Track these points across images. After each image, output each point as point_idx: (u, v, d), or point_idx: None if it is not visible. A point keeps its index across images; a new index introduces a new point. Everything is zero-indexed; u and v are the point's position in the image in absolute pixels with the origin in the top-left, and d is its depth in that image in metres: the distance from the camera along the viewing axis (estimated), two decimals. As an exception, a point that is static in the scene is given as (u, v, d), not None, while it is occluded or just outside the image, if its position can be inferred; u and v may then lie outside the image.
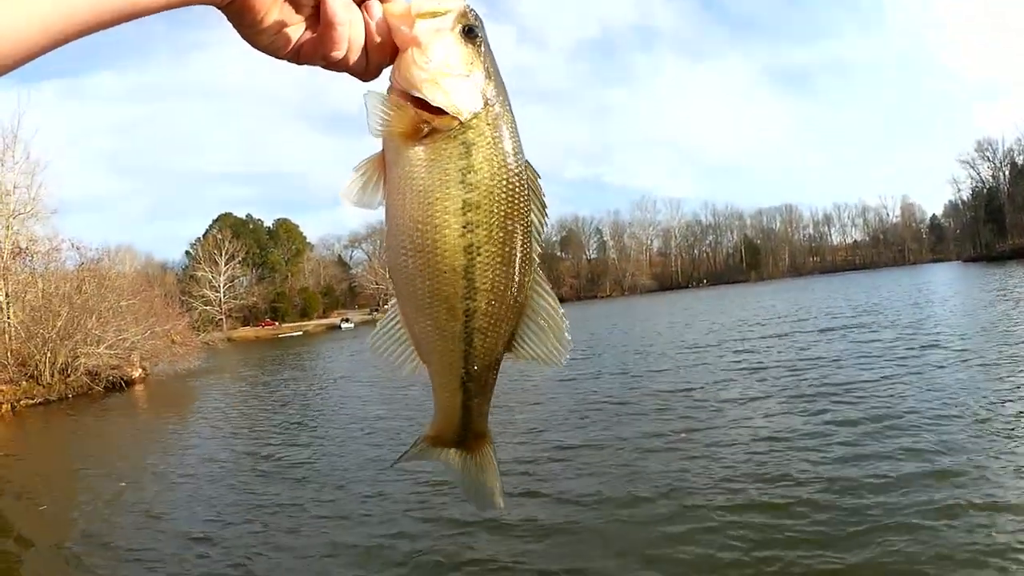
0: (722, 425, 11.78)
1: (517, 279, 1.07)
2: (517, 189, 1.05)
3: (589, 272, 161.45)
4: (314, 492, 10.56)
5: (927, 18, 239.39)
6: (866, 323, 26.07)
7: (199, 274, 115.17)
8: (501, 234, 1.04)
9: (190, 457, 14.93)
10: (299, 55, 0.99)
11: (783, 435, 10.58)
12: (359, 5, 0.99)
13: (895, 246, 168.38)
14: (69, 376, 33.23)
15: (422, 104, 1.01)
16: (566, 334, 1.11)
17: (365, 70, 1.03)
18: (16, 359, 32.50)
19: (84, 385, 33.41)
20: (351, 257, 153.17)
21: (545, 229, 1.12)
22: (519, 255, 1.06)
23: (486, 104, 1.04)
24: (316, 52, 0.98)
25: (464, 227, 1.02)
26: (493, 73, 1.06)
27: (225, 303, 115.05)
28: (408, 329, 1.11)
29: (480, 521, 8.07)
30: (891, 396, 12.43)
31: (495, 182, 1.03)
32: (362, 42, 1.00)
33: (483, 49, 1.05)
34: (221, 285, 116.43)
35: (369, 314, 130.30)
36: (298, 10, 0.96)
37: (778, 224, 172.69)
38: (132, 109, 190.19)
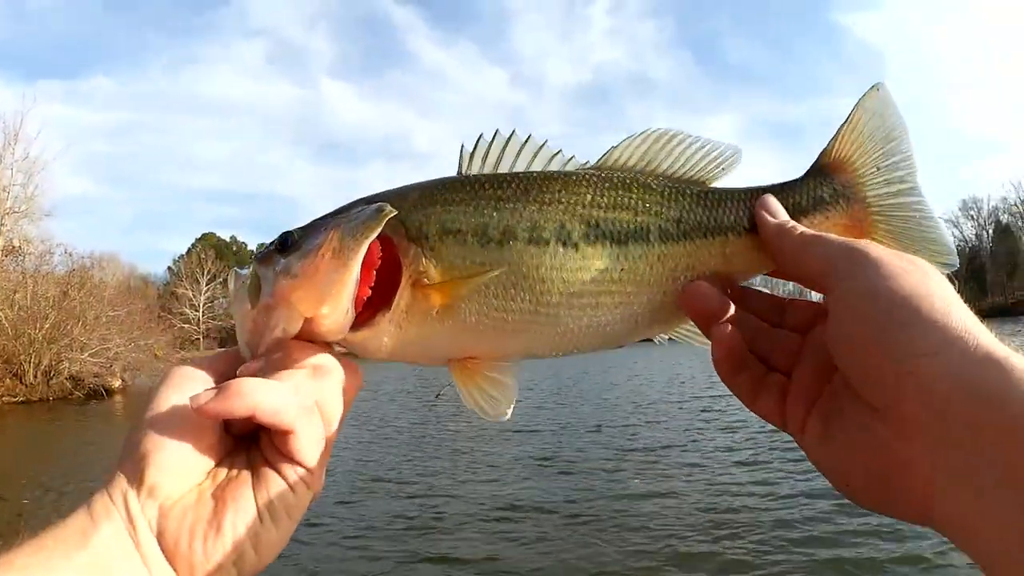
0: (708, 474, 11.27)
1: None
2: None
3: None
4: None
5: (922, 78, 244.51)
6: None
7: (180, 291, 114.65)
8: None
9: None
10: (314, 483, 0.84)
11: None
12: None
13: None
14: (52, 379, 33.56)
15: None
16: None
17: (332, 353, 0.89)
18: (1, 356, 32.66)
19: (66, 390, 33.74)
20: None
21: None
22: None
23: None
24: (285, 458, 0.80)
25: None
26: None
27: (204, 323, 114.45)
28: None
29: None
30: None
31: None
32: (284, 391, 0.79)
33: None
34: (201, 304, 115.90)
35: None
36: (236, 485, 0.79)
37: (758, 280, 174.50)
38: (122, 117, 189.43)
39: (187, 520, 0.75)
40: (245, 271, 0.91)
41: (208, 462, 0.79)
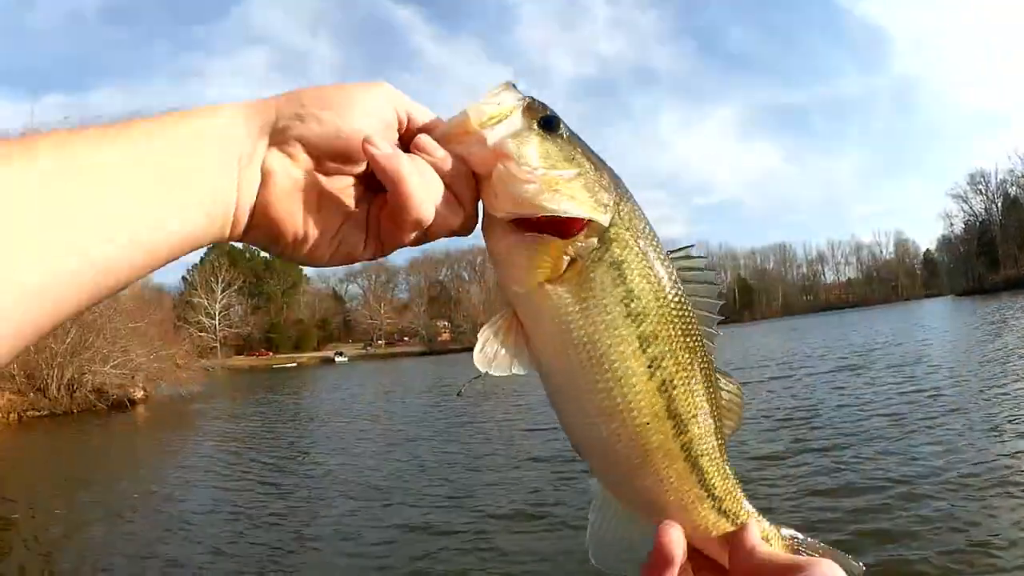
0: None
1: (711, 385, 0.94)
2: (682, 297, 0.91)
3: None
4: (306, 527, 10.34)
5: (925, 54, 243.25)
6: (859, 365, 24.92)
7: (195, 300, 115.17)
8: (686, 354, 0.91)
9: (190, 479, 14.93)
10: (383, 244, 0.86)
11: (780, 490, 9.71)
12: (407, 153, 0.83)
13: (888, 282, 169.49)
14: (75, 391, 33.82)
15: (546, 226, 0.85)
16: (742, 403, 1.01)
17: (463, 218, 0.87)
18: (24, 371, 32.88)
19: (89, 402, 34.04)
20: (346, 291, 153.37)
21: (717, 304, 0.97)
22: (701, 362, 0.93)
23: (616, 198, 0.89)
24: (400, 227, 0.82)
25: (650, 367, 0.88)
26: (599, 161, 0.91)
27: (220, 331, 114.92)
28: (626, 499, 0.97)
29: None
30: (899, 457, 10.89)
31: (663, 301, 0.89)
32: (441, 186, 0.82)
33: (574, 137, 0.90)
34: (216, 313, 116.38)
35: (363, 348, 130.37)
36: (343, 197, 0.82)
37: (772, 264, 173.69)
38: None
39: (290, 188, 0.78)
40: (520, 102, 0.87)
41: (342, 174, 0.82)
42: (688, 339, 0.90)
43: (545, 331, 0.87)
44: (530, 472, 11.95)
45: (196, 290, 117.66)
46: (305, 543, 9.25)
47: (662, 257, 0.90)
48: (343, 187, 0.82)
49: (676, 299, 0.89)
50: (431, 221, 0.81)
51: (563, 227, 0.84)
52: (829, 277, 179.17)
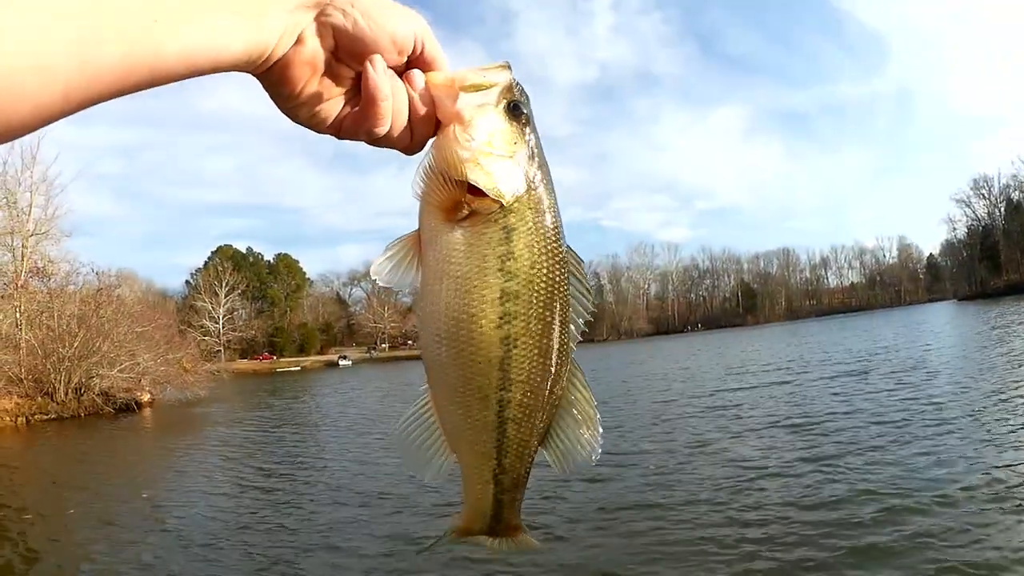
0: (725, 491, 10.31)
1: (554, 371, 1.04)
2: (558, 278, 1.02)
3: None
4: (312, 532, 10.28)
5: (926, 59, 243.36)
6: (858, 370, 25.01)
7: (199, 304, 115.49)
8: (539, 325, 1.01)
9: (198, 482, 14.97)
10: (340, 130, 0.98)
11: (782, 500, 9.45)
12: (401, 75, 0.98)
13: (891, 287, 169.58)
14: (83, 395, 34.03)
15: (462, 184, 0.98)
16: (599, 428, 1.09)
17: (410, 144, 1.01)
18: (31, 375, 33.20)
19: (96, 405, 34.20)
20: (350, 295, 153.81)
21: (589, 313, 1.10)
22: (556, 346, 1.04)
23: (529, 187, 1.01)
24: (359, 127, 0.97)
25: (501, 318, 0.99)
26: (537, 153, 1.03)
27: (224, 335, 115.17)
28: (439, 417, 1.08)
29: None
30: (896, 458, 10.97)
31: (536, 271, 1.00)
32: (406, 116, 0.97)
33: (528, 127, 1.03)
34: (220, 316, 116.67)
35: (367, 352, 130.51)
36: (338, 83, 0.95)
37: (775, 268, 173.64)
38: (132, 134, 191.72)
39: (310, 58, 0.90)
40: (504, 81, 1.01)
41: (347, 66, 0.94)
42: (547, 314, 1.02)
43: (432, 256, 1.00)
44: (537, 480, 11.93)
45: (200, 294, 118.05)
46: (312, 549, 9.29)
47: (553, 244, 1.02)
48: (343, 76, 0.94)
49: (549, 277, 1.01)
50: (381, 136, 0.96)
51: (472, 189, 0.97)
52: (832, 281, 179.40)
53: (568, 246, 1.05)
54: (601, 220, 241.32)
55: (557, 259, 1.02)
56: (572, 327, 1.07)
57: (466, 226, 0.99)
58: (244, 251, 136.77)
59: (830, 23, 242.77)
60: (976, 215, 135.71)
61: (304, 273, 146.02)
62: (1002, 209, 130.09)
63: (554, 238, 1.02)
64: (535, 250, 1.00)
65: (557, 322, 1.03)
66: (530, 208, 1.00)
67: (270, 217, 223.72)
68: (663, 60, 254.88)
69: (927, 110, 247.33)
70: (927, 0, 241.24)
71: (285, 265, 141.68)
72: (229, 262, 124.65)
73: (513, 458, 1.06)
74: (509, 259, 0.99)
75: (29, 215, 41.41)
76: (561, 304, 1.03)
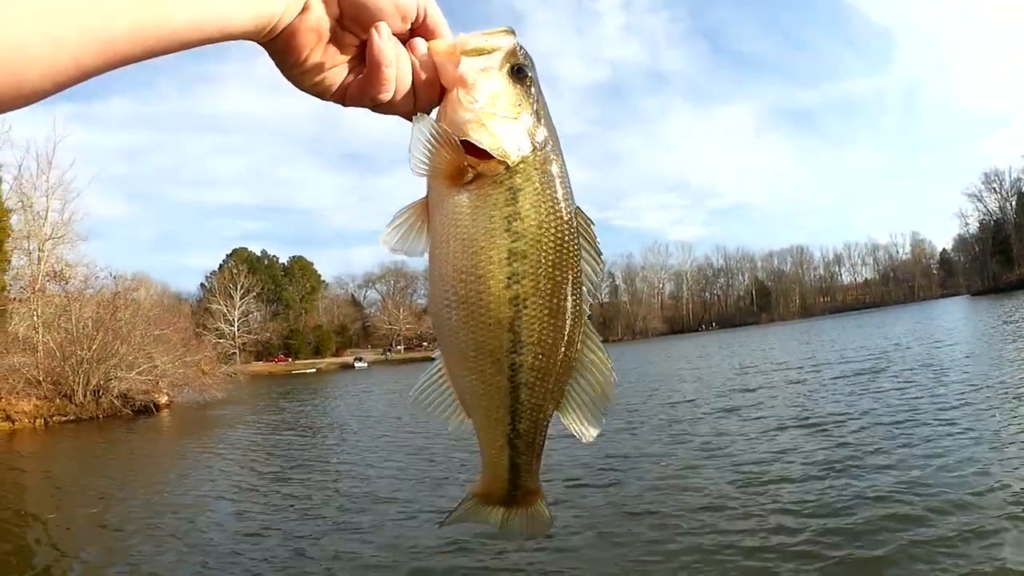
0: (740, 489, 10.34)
1: (567, 332, 1.03)
2: (566, 238, 1.02)
3: (601, 315, 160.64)
4: (330, 530, 10.39)
5: (935, 53, 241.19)
6: (873, 369, 24.69)
7: (214, 307, 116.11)
8: (549, 285, 1.01)
9: (218, 485, 14.93)
10: (345, 97, 1.00)
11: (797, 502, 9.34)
12: (404, 43, 0.99)
13: (905, 283, 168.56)
14: (101, 397, 34.55)
15: (468, 148, 0.99)
16: (613, 391, 1.09)
17: (413, 110, 1.02)
18: (50, 377, 33.77)
19: (115, 407, 34.71)
20: (364, 297, 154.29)
21: (600, 277, 1.09)
22: (569, 307, 1.03)
23: (534, 148, 1.01)
24: (363, 94, 0.99)
25: (510, 278, 0.99)
26: (543, 115, 1.04)
27: (239, 337, 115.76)
28: (452, 382, 1.08)
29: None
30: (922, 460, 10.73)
31: (543, 231, 1.00)
32: (409, 82, 0.99)
33: (533, 89, 1.03)
34: (235, 319, 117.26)
35: (382, 354, 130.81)
36: (342, 50, 0.96)
37: (789, 266, 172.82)
38: (142, 136, 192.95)
39: (315, 25, 0.92)
40: (507, 45, 1.03)
41: (351, 33, 0.96)
42: (557, 273, 1.02)
43: (439, 220, 1.01)
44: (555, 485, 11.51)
45: (215, 296, 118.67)
46: (329, 548, 9.32)
47: (561, 205, 1.02)
48: (347, 44, 0.97)
49: (558, 237, 1.02)
50: (385, 102, 0.99)
51: (478, 151, 0.99)
52: (846, 278, 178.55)
53: (577, 207, 1.06)
54: (613, 220, 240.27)
55: (565, 220, 1.03)
56: (585, 287, 1.07)
57: (472, 189, 1.00)
58: (259, 254, 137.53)
59: (837, 19, 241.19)
60: (988, 209, 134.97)
61: (319, 275, 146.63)
62: (1013, 203, 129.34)
63: (562, 199, 1.03)
64: (542, 210, 1.01)
65: (568, 283, 1.03)
66: (536, 169, 1.01)
67: (283, 219, 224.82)
68: (672, 59, 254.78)
69: (936, 105, 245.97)
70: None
71: (300, 267, 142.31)
72: (244, 265, 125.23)
73: (528, 422, 1.07)
74: (516, 219, 1.00)
75: (46, 219, 42.03)
76: (572, 265, 1.04)
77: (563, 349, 1.04)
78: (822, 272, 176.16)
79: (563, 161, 1.05)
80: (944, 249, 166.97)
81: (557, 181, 1.02)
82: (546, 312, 1.01)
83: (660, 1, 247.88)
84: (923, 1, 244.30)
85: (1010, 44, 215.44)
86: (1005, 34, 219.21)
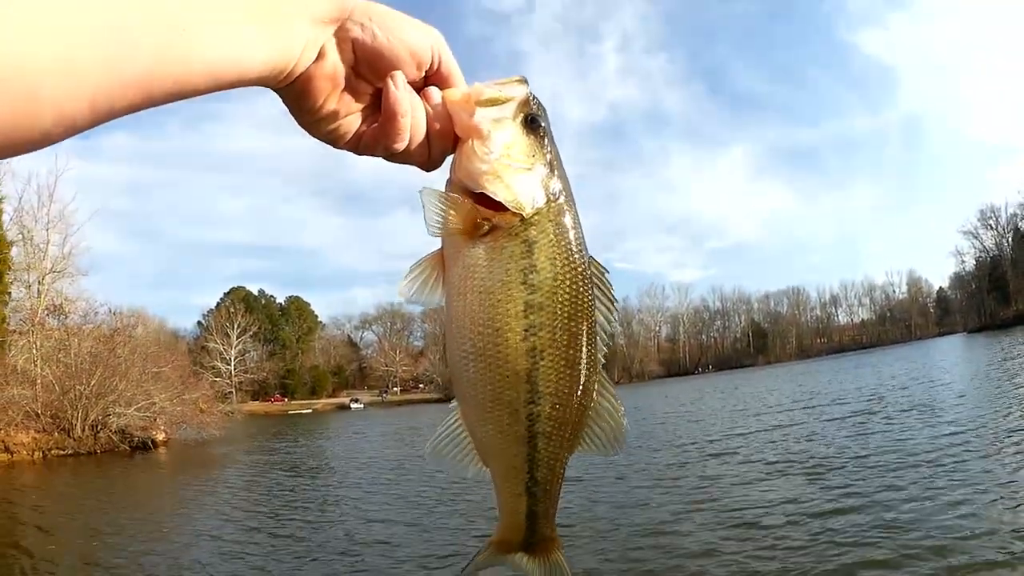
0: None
1: (582, 382, 1.05)
2: (581, 289, 1.03)
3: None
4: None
5: (934, 92, 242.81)
6: (869, 410, 24.40)
7: (211, 345, 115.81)
8: (565, 337, 1.02)
9: (212, 524, 14.97)
10: (359, 145, 0.99)
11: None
12: (418, 91, 0.99)
13: (902, 322, 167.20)
14: (99, 432, 34.56)
15: (483, 198, 1.00)
16: (625, 430, 1.11)
17: (427, 160, 1.03)
18: (48, 410, 33.82)
19: (112, 442, 34.73)
20: (361, 338, 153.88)
21: (614, 325, 1.10)
22: (584, 357, 1.05)
23: (548, 200, 1.02)
24: (378, 143, 0.98)
25: (527, 330, 1.00)
26: (556, 165, 1.05)
27: (235, 376, 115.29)
28: (470, 432, 1.09)
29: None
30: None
31: (559, 282, 1.01)
32: (424, 132, 0.99)
33: (546, 140, 1.04)
34: (232, 358, 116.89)
35: (378, 395, 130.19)
36: (357, 98, 0.96)
37: (785, 307, 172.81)
38: (143, 172, 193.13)
39: (331, 72, 0.92)
40: (521, 95, 1.04)
41: (366, 81, 0.96)
42: (573, 324, 1.03)
43: (455, 274, 1.02)
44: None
45: (212, 335, 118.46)
46: None
47: (575, 256, 1.04)
48: (362, 91, 0.96)
49: (573, 288, 1.03)
50: (399, 151, 0.98)
51: (493, 202, 1.00)
52: (843, 319, 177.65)
53: (591, 256, 1.07)
54: (614, 262, 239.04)
55: (580, 271, 1.04)
56: (600, 336, 1.08)
57: (488, 241, 1.00)
58: (256, 293, 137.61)
59: (836, 57, 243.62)
60: (984, 246, 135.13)
61: (315, 316, 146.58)
62: (1009, 239, 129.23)
63: (576, 249, 1.04)
64: (557, 262, 1.01)
65: (584, 333, 1.04)
66: (551, 220, 1.02)
67: (282, 258, 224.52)
68: (671, 100, 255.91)
69: (933, 142, 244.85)
70: (931, 32, 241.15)
71: (296, 308, 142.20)
72: (241, 303, 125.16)
73: (545, 470, 1.08)
74: (532, 272, 1.00)
75: (46, 252, 42.20)
76: (587, 315, 1.05)
77: (579, 398, 1.06)
78: (819, 313, 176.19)
79: (576, 211, 1.07)
80: (940, 287, 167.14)
81: (571, 232, 1.04)
82: (563, 363, 1.03)
83: (657, 43, 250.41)
84: (919, 38, 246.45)
85: (1007, 82, 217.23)
86: (1002, 72, 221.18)
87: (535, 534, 1.13)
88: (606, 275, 1.09)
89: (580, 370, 1.04)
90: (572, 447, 1.09)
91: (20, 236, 41.88)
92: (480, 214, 0.99)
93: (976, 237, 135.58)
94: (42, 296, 40.88)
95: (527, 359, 1.00)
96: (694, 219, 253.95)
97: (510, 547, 1.15)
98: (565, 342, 1.02)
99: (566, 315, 1.01)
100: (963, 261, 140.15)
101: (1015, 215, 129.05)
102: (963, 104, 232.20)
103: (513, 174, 1.00)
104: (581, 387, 1.05)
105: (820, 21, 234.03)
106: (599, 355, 1.07)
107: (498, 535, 1.16)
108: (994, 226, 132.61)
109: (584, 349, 1.04)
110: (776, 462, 15.92)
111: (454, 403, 1.09)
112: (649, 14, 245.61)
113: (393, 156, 1.00)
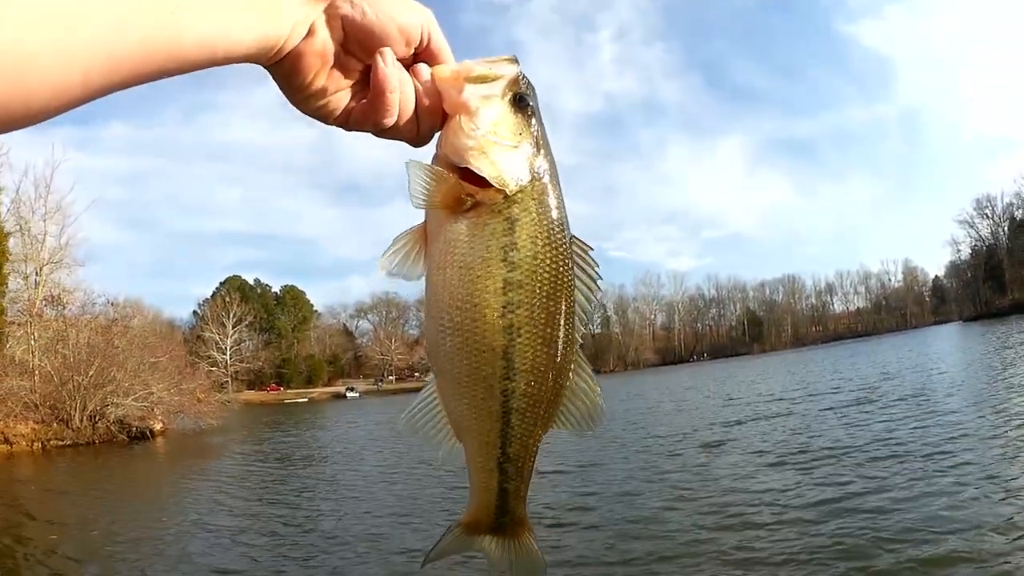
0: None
1: (558, 361, 1.06)
2: (561, 269, 1.04)
3: (593, 347, 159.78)
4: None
5: (932, 85, 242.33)
6: (864, 399, 24.47)
7: (206, 335, 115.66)
8: (543, 315, 1.03)
9: (211, 513, 15.00)
10: (348, 121, 1.00)
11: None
12: (407, 68, 1.00)
13: (897, 311, 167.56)
14: (98, 423, 34.63)
15: (467, 174, 1.00)
16: (600, 410, 1.12)
17: (416, 136, 1.03)
18: (47, 401, 33.92)
19: (111, 433, 34.82)
20: (356, 327, 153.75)
21: (594, 305, 1.11)
22: (561, 336, 1.05)
23: (533, 178, 1.03)
24: (367, 119, 0.99)
25: (504, 307, 1.01)
26: (543, 144, 1.05)
27: (231, 365, 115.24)
28: (445, 406, 1.09)
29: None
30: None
31: (539, 261, 1.02)
32: (412, 108, 1.00)
33: (533, 119, 1.05)
34: (228, 347, 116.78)
35: (374, 384, 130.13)
36: (346, 75, 0.97)
37: (781, 295, 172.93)
38: (140, 162, 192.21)
39: (320, 49, 0.93)
40: (510, 73, 1.04)
41: (356, 58, 0.97)
42: (551, 303, 1.04)
43: (437, 247, 1.03)
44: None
45: (207, 324, 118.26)
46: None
47: (557, 236, 1.04)
48: (352, 68, 0.97)
49: (553, 268, 1.04)
50: (388, 127, 0.99)
51: (477, 179, 1.01)
52: (838, 307, 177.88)
53: (573, 236, 1.08)
54: (609, 251, 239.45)
55: (561, 250, 1.04)
56: (578, 317, 1.09)
57: (470, 217, 1.01)
58: (252, 282, 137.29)
59: (834, 49, 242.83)
60: (980, 235, 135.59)
61: (311, 305, 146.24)
62: (1005, 228, 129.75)
63: (558, 229, 1.04)
64: (538, 241, 1.02)
65: (562, 313, 1.05)
66: (534, 199, 1.03)
67: (277, 248, 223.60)
68: (668, 90, 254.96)
69: (931, 135, 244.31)
70: (928, 24, 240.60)
71: (292, 297, 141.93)
72: (237, 293, 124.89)
73: (518, 447, 1.08)
74: (512, 250, 1.01)
75: (43, 243, 42.09)
76: (566, 295, 1.06)
77: (554, 377, 1.07)
78: (814, 301, 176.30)
79: (561, 191, 1.07)
80: (936, 276, 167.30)
81: (554, 212, 1.05)
82: (539, 341, 1.03)
83: (654, 33, 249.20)
84: (917, 30, 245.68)
85: (1006, 73, 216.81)
86: (1000, 64, 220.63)
87: (506, 513, 1.12)
88: (590, 252, 1.10)
89: (557, 349, 1.05)
90: (546, 425, 1.09)
91: (18, 227, 41.79)
92: (464, 189, 1.00)
93: (972, 226, 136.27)
94: (40, 287, 40.79)
95: (504, 335, 1.01)
96: (691, 210, 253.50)
97: (479, 528, 1.14)
98: (543, 320, 1.03)
99: (545, 294, 1.02)
100: (959, 250, 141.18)
101: (1011, 204, 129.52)
102: (961, 97, 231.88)
103: (499, 151, 1.01)
104: (557, 366, 1.06)
105: (818, 13, 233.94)
106: (577, 335, 1.08)
107: (468, 515, 1.15)
108: (990, 215, 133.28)
109: (562, 328, 1.05)
110: (768, 452, 15.92)
111: (430, 376, 1.10)
112: (646, 4, 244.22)
113: (382, 132, 1.02)
